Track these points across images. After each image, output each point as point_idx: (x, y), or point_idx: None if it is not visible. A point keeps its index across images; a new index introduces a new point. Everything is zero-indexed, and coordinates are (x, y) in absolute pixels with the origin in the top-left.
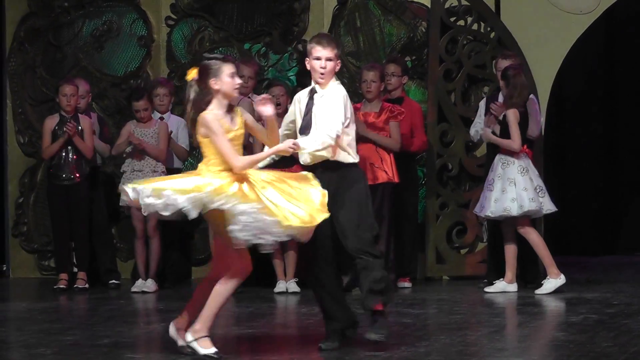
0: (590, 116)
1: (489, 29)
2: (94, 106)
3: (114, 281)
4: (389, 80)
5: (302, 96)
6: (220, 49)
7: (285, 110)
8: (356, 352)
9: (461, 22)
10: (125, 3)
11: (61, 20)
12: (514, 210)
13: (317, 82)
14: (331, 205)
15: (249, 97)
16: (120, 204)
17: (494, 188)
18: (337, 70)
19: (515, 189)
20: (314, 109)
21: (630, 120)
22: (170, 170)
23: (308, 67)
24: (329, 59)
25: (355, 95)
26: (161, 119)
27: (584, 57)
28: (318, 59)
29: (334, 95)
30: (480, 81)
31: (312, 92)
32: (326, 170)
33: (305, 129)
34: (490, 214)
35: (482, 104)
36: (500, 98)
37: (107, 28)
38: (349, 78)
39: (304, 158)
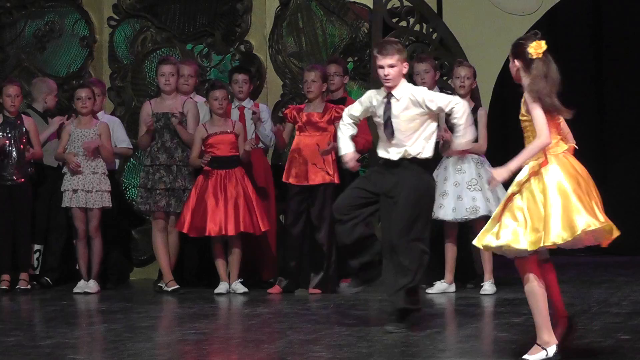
0: None
1: (431, 30)
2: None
3: (46, 279)
4: (332, 80)
5: (377, 98)
6: (163, 49)
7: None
8: (300, 352)
9: (403, 23)
10: (67, 3)
11: (3, 21)
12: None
13: (388, 88)
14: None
15: (191, 97)
16: (62, 204)
17: (481, 188)
18: (404, 73)
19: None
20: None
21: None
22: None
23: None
24: (391, 66)
25: (298, 96)
26: (95, 118)
27: None
28: (381, 67)
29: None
30: None
31: (389, 96)
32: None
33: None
34: (488, 213)
35: None
36: None
37: (49, 28)
38: (291, 79)
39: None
